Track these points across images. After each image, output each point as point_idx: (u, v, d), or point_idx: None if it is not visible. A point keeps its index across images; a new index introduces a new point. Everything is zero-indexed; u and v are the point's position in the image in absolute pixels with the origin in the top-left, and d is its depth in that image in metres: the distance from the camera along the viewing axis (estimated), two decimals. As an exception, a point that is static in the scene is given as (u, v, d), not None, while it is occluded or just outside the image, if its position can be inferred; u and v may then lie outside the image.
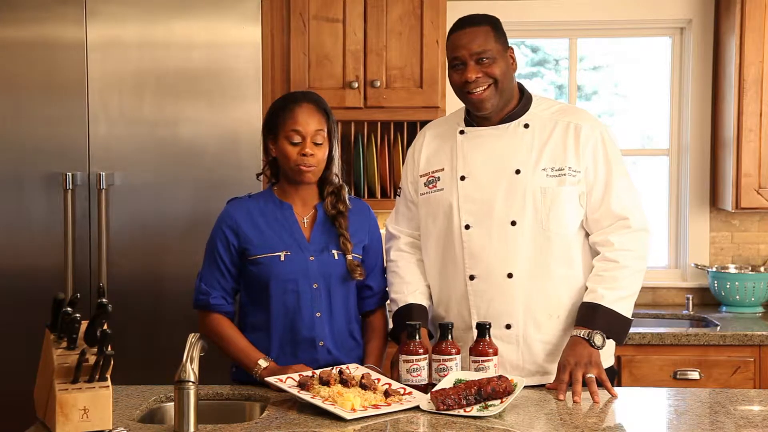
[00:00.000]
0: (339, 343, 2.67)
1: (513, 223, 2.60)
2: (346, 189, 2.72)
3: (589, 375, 2.45)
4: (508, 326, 2.61)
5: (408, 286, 2.73)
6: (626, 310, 2.61)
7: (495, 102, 2.62)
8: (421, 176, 2.76)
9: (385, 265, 2.82)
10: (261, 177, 2.78)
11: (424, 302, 2.72)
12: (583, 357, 2.48)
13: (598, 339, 2.51)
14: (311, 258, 2.63)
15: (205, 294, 2.63)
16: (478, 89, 2.59)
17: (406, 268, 2.76)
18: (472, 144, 2.68)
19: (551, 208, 2.59)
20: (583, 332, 2.52)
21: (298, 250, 2.62)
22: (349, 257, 2.65)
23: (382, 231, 4.02)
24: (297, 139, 2.59)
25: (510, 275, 2.60)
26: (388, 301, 2.80)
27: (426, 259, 2.76)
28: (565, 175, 2.60)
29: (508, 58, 2.63)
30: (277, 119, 2.63)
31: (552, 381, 2.57)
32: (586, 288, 2.61)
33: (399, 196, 2.85)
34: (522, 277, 2.60)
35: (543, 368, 2.62)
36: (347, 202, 2.70)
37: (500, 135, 2.66)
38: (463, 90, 2.62)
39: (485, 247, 2.62)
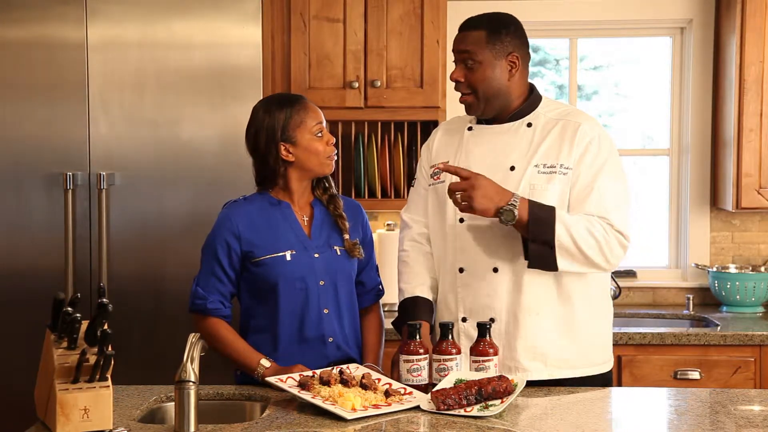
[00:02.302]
0: (347, 338, 2.68)
1: None
2: (330, 178, 2.76)
3: (457, 196, 2.50)
4: (492, 320, 2.62)
5: (416, 278, 2.74)
6: (562, 239, 2.49)
7: (481, 108, 2.66)
8: (431, 167, 2.79)
9: (377, 262, 2.86)
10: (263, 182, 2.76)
11: (430, 296, 2.72)
12: (479, 198, 2.46)
13: (507, 215, 2.47)
14: (316, 255, 2.64)
15: (202, 299, 2.62)
16: (461, 93, 2.65)
17: (416, 259, 2.77)
18: (476, 140, 2.72)
19: None
20: (516, 201, 2.48)
21: (302, 249, 2.63)
22: (346, 236, 2.68)
23: (379, 231, 4.04)
24: (320, 132, 2.65)
25: (495, 269, 2.61)
26: (390, 297, 2.80)
27: (432, 248, 2.78)
28: (555, 173, 2.60)
29: (504, 64, 2.63)
30: (291, 122, 2.62)
31: (530, 378, 2.56)
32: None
33: (413, 186, 2.87)
34: (507, 272, 2.60)
35: (522, 365, 2.61)
36: (334, 187, 2.75)
37: (503, 133, 2.69)
38: (455, 89, 2.68)
39: (475, 241, 2.63)
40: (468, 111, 2.70)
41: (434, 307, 2.73)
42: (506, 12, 2.78)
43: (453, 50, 2.68)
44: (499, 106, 2.66)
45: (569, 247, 2.51)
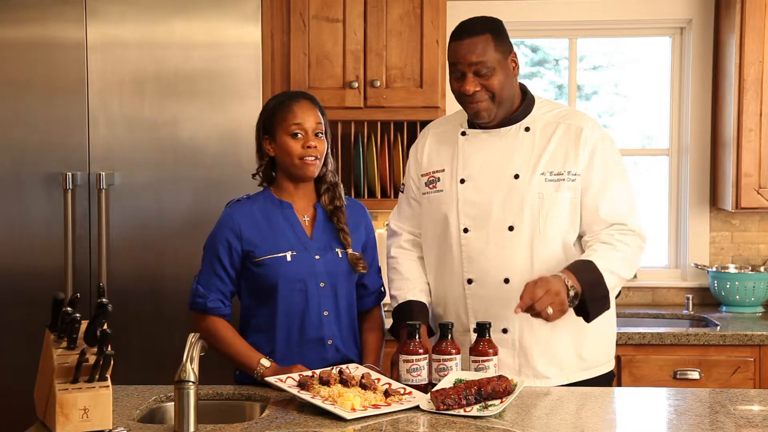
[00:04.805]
0: (346, 340, 2.68)
1: (510, 228, 2.59)
2: (341, 186, 2.73)
3: (549, 311, 2.38)
4: (504, 330, 2.61)
5: (408, 283, 2.73)
6: (611, 283, 2.52)
7: (493, 112, 2.62)
8: (422, 175, 2.76)
9: (380, 264, 2.83)
10: (257, 177, 2.76)
11: (424, 299, 2.72)
12: (553, 291, 2.39)
13: (573, 291, 2.44)
14: (317, 257, 2.63)
15: (202, 297, 2.62)
16: (475, 101, 2.59)
17: (406, 265, 2.76)
18: (472, 147, 2.69)
19: (549, 213, 2.58)
20: (568, 281, 2.43)
21: (303, 250, 2.62)
22: (350, 251, 2.66)
23: (379, 231, 4.03)
24: (299, 133, 2.60)
25: (507, 281, 2.60)
26: (388, 299, 2.80)
27: (426, 258, 2.76)
28: (563, 180, 2.59)
29: (509, 64, 2.60)
30: (274, 117, 2.63)
31: (546, 385, 2.58)
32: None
33: (402, 192, 2.85)
34: (519, 282, 2.56)
35: (539, 372, 2.62)
36: (343, 198, 2.71)
37: (500, 138, 2.66)
38: (462, 99, 2.63)
39: (483, 252, 2.61)
40: (479, 117, 2.62)
41: (429, 310, 2.72)
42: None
43: (457, 61, 2.58)
44: (508, 108, 2.64)
45: (616, 283, 2.56)
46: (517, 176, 2.60)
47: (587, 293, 2.47)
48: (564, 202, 2.59)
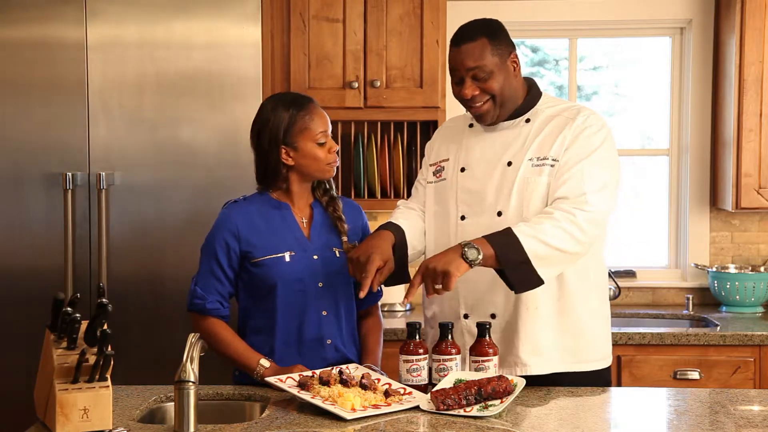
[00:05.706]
0: (345, 340, 2.68)
1: (499, 214, 2.61)
2: (331, 179, 2.74)
3: (437, 286, 2.40)
4: (492, 316, 2.62)
5: (396, 214, 2.75)
6: (532, 248, 2.44)
7: (496, 113, 2.64)
8: (431, 165, 2.80)
9: None
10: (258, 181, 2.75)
11: (404, 227, 2.68)
12: (441, 264, 2.39)
13: (471, 252, 2.40)
14: (315, 257, 2.63)
15: (201, 298, 2.62)
16: (476, 104, 2.62)
17: (403, 212, 2.77)
18: (476, 138, 2.72)
19: (531, 199, 2.58)
20: (472, 245, 2.42)
21: (301, 250, 2.63)
22: (344, 239, 2.68)
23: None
24: (324, 139, 2.63)
25: None
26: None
27: (427, 245, 2.77)
28: (545, 165, 2.59)
29: (508, 66, 2.62)
30: (295, 128, 2.61)
31: (526, 374, 2.57)
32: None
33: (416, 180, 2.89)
34: None
35: (522, 360, 2.61)
36: (334, 188, 2.75)
37: (502, 129, 2.69)
38: (464, 103, 2.65)
39: (475, 237, 2.62)
40: (483, 120, 2.66)
41: (405, 237, 2.67)
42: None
43: (455, 67, 2.61)
44: (511, 108, 2.66)
45: (543, 252, 2.44)
46: (510, 163, 2.62)
47: (501, 256, 2.42)
48: (542, 186, 2.58)
